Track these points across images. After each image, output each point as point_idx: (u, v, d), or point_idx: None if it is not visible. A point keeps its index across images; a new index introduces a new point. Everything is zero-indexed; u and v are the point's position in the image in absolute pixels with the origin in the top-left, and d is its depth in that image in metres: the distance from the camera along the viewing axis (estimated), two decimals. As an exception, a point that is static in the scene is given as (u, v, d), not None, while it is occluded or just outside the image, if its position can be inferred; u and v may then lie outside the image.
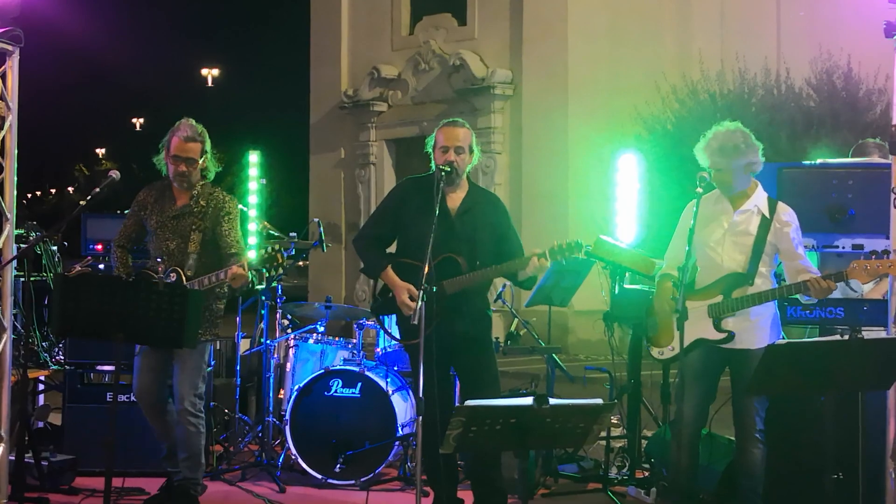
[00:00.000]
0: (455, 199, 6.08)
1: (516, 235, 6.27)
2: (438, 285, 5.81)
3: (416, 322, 5.52)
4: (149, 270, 6.34)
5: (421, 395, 5.45)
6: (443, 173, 5.86)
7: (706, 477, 5.98)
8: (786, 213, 5.76)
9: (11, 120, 6.41)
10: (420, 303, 5.49)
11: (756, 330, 5.70)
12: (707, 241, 5.78)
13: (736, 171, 5.69)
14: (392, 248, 6.28)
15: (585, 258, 7.38)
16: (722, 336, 5.70)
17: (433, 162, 6.04)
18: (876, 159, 7.18)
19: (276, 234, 8.58)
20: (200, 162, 6.38)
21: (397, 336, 6.34)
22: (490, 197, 6.42)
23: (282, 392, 8.10)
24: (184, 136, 6.31)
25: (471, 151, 6.05)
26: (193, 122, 6.43)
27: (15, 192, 6.46)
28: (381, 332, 7.60)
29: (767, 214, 5.72)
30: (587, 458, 7.55)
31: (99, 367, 7.54)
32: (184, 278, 6.27)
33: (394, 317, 6.25)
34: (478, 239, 6.05)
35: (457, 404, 6.15)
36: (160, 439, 6.53)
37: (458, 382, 6.57)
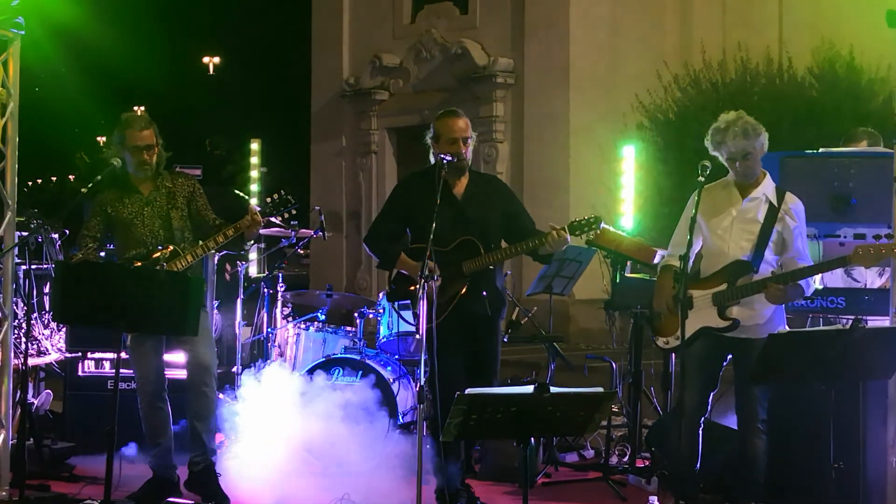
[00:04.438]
0: (459, 186, 6.21)
1: (525, 211, 6.40)
2: (456, 266, 5.92)
3: (416, 311, 5.53)
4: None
5: (423, 383, 5.45)
6: (445, 162, 5.92)
7: (707, 466, 5.97)
8: (793, 203, 5.73)
9: (13, 107, 6.40)
10: (420, 290, 5.51)
11: (759, 319, 5.67)
12: (715, 228, 5.76)
13: (760, 151, 5.67)
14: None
15: (587, 247, 7.41)
16: (727, 324, 5.68)
17: (431, 153, 6.14)
18: (864, 147, 7.16)
19: (277, 222, 8.57)
20: (157, 147, 6.47)
21: (412, 322, 6.38)
22: (490, 179, 6.65)
23: (283, 380, 8.09)
24: (138, 126, 6.41)
25: (471, 139, 6.20)
26: (136, 112, 6.58)
27: (16, 180, 6.46)
28: (384, 320, 7.62)
29: (775, 203, 5.70)
30: (588, 446, 7.55)
31: (99, 355, 7.55)
32: (180, 251, 6.29)
33: (409, 302, 6.28)
34: (488, 222, 6.17)
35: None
36: (155, 437, 6.37)
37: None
